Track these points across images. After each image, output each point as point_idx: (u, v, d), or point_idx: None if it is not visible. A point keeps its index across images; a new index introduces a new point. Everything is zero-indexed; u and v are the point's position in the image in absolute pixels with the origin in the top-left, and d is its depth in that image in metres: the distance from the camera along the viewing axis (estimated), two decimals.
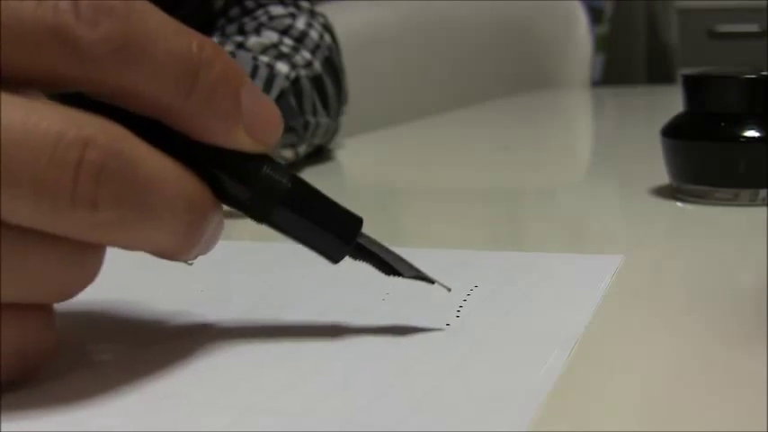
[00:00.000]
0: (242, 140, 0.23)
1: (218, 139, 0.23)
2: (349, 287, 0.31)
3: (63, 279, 0.21)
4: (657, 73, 2.53)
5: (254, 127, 0.23)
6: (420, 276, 0.26)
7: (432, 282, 0.27)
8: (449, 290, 0.27)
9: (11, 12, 0.20)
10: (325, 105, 0.63)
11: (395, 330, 0.27)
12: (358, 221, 0.25)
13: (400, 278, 0.26)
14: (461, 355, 0.24)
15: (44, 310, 0.22)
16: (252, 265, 0.36)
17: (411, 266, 0.26)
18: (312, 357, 0.25)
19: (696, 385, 0.23)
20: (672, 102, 0.50)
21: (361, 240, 0.25)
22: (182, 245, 0.23)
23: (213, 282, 0.33)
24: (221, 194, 0.23)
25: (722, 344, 0.26)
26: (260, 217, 0.24)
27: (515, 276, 0.32)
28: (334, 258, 0.25)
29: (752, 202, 0.43)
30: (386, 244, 0.26)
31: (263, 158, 0.24)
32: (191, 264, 0.25)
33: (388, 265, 0.26)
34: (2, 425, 0.20)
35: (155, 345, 0.26)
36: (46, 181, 0.19)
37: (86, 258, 0.21)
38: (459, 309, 0.29)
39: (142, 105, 0.22)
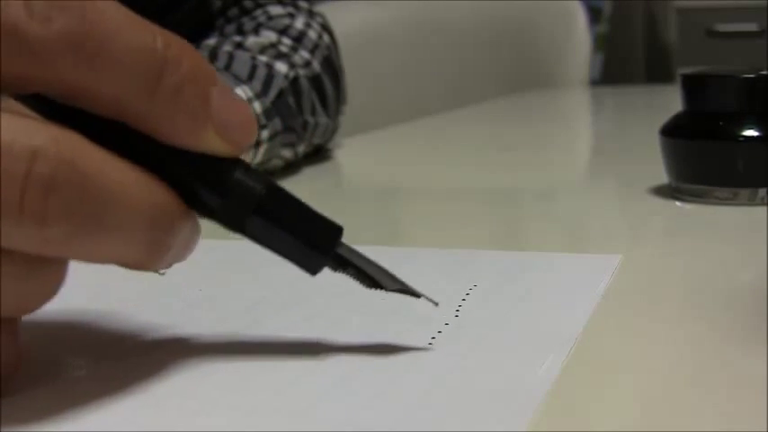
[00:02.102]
0: (212, 143, 0.21)
1: (186, 141, 0.21)
2: (348, 286, 0.31)
3: (21, 293, 0.20)
4: (656, 72, 2.53)
5: (225, 128, 0.22)
6: (404, 290, 0.25)
7: (417, 296, 0.25)
8: (435, 304, 0.25)
9: None
10: (324, 105, 0.63)
11: (394, 329, 0.27)
12: (337, 230, 0.24)
13: (383, 291, 0.25)
14: (460, 355, 0.24)
15: (4, 324, 0.21)
16: (244, 265, 0.36)
17: (395, 279, 0.25)
18: (311, 357, 0.25)
19: (696, 385, 0.23)
20: (671, 101, 0.50)
21: (340, 251, 0.24)
22: (147, 257, 0.21)
23: (210, 282, 0.33)
24: (191, 202, 0.22)
25: (722, 343, 0.26)
26: (233, 226, 0.23)
27: (514, 276, 0.32)
28: (312, 270, 0.24)
29: (751, 202, 0.43)
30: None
31: (236, 163, 0.22)
32: (162, 273, 0.23)
33: (370, 277, 0.24)
34: None
35: (148, 346, 0.26)
36: None
37: (45, 272, 0.20)
38: (459, 308, 0.29)
39: (102, 106, 0.20)
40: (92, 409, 0.21)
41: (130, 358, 0.25)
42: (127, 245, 0.21)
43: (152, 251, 0.21)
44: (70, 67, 0.19)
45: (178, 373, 0.24)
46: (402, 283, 0.25)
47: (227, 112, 0.22)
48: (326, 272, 0.24)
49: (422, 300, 0.25)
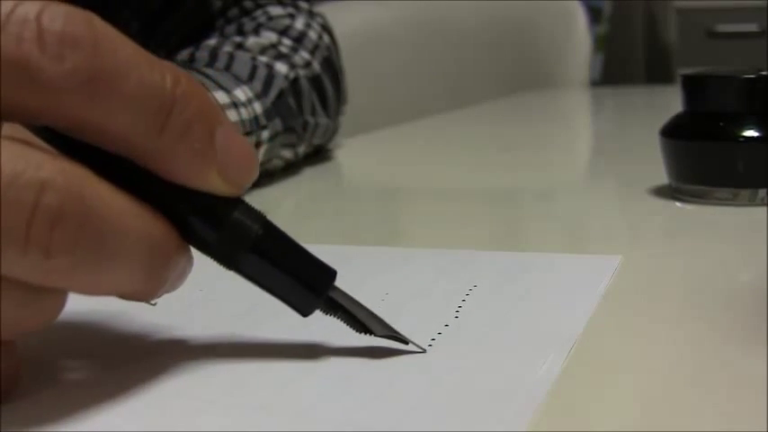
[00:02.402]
0: (214, 183, 0.22)
1: (189, 180, 0.22)
2: (348, 287, 0.31)
3: (21, 318, 0.20)
4: (656, 73, 2.53)
5: (227, 169, 0.22)
6: (393, 336, 0.25)
7: (405, 342, 0.25)
8: (423, 351, 0.25)
9: None
10: (324, 105, 0.63)
11: (394, 330, 0.27)
12: (331, 274, 0.24)
13: (372, 337, 0.25)
14: (460, 355, 0.24)
15: (4, 345, 0.21)
16: None
17: (384, 324, 0.25)
18: (310, 358, 0.25)
19: (696, 385, 0.23)
20: (671, 102, 0.50)
21: (332, 294, 0.24)
22: (144, 289, 0.22)
23: (211, 284, 0.33)
24: (188, 236, 0.22)
25: (722, 344, 0.26)
26: (227, 263, 0.23)
27: (514, 276, 0.32)
28: (304, 312, 0.24)
29: (751, 202, 0.43)
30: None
31: (236, 202, 0.23)
32: (154, 304, 0.24)
33: (360, 322, 0.25)
34: None
35: (149, 345, 0.26)
36: None
37: (44, 300, 0.20)
38: (458, 309, 0.29)
39: (110, 142, 0.21)
40: (93, 411, 0.21)
41: (130, 359, 0.25)
42: (126, 277, 0.21)
43: (149, 283, 0.22)
44: (80, 103, 0.20)
45: (178, 373, 0.24)
46: (391, 329, 0.25)
47: (230, 152, 0.22)
48: None
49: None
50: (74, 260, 0.20)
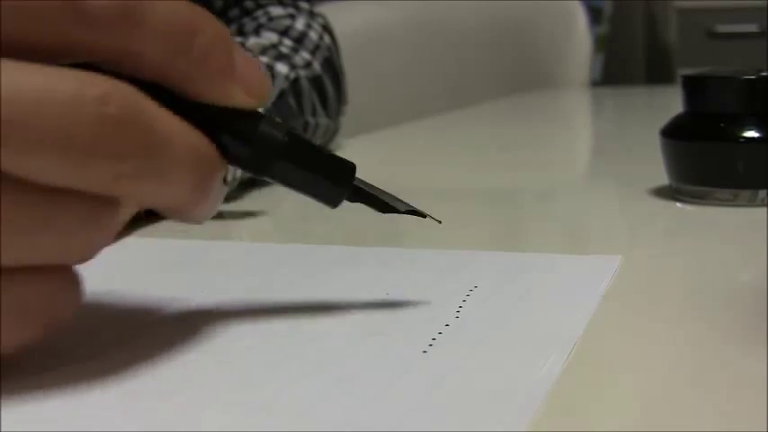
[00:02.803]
0: (238, 96, 0.24)
1: (216, 95, 0.24)
2: (349, 287, 0.31)
3: (84, 239, 0.22)
4: (657, 73, 2.53)
5: (247, 84, 0.24)
6: (413, 211, 0.28)
7: (423, 216, 0.29)
8: (439, 222, 0.29)
9: None
10: (325, 106, 0.63)
11: (395, 330, 0.27)
12: (352, 167, 0.27)
13: (396, 214, 0.28)
14: (460, 356, 0.24)
15: (66, 269, 0.23)
16: (243, 266, 0.36)
17: (404, 203, 0.28)
18: (311, 357, 0.25)
19: (695, 385, 0.23)
20: (671, 102, 0.50)
21: (356, 183, 0.27)
22: (191, 199, 0.24)
23: (209, 284, 0.33)
24: (222, 153, 0.24)
25: (722, 344, 0.26)
26: (260, 171, 0.25)
27: (515, 277, 0.32)
28: (333, 203, 0.27)
29: (751, 203, 0.43)
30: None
31: (259, 115, 0.25)
32: (200, 224, 0.25)
33: (384, 203, 0.28)
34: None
35: (149, 345, 0.26)
36: (70, 137, 0.20)
37: (105, 216, 0.22)
38: (459, 309, 0.29)
39: (145, 69, 0.23)
40: (94, 410, 0.21)
41: (129, 359, 0.25)
42: (177, 185, 0.23)
43: (197, 193, 0.24)
44: (120, 34, 0.22)
45: (178, 372, 0.24)
46: (410, 206, 0.28)
47: (248, 69, 0.24)
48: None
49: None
50: (137, 165, 0.21)
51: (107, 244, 0.23)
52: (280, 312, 0.29)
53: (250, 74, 0.24)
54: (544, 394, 0.22)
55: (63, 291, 0.23)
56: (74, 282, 0.23)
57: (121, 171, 0.21)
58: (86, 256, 0.23)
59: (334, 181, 0.26)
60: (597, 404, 0.22)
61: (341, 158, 0.27)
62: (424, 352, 0.25)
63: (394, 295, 0.30)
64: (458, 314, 0.28)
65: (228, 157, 0.25)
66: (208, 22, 0.23)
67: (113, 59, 0.22)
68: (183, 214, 0.24)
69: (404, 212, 0.28)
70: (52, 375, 0.23)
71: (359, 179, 0.27)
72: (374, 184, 0.28)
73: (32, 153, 0.20)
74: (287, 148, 0.25)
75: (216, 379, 0.23)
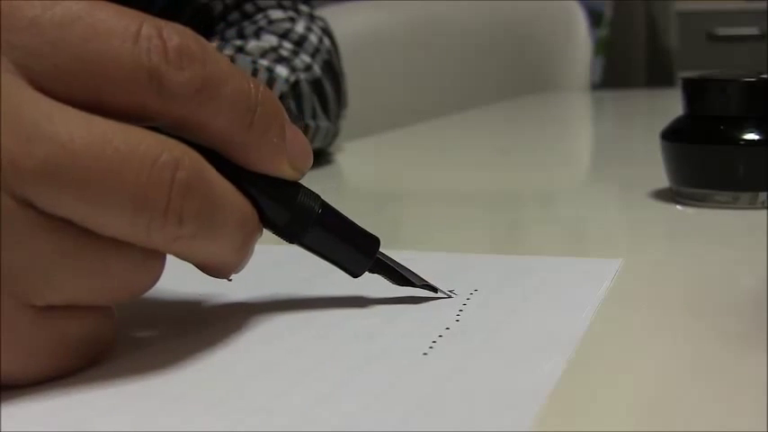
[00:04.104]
0: (286, 170, 0.26)
1: (268, 167, 0.25)
2: (349, 289, 0.31)
3: (132, 284, 0.23)
4: (657, 76, 2.53)
5: (294, 158, 0.26)
6: (427, 285, 0.30)
7: (435, 290, 0.30)
8: (450, 296, 0.30)
9: (110, 51, 0.22)
10: (325, 109, 0.63)
11: (396, 332, 0.27)
12: (376, 240, 0.29)
13: (411, 288, 0.29)
14: (462, 358, 0.24)
15: (109, 307, 0.24)
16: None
17: (420, 278, 0.30)
18: (313, 358, 0.25)
19: (695, 387, 0.23)
20: (671, 105, 0.50)
21: (379, 256, 0.29)
22: (236, 258, 0.25)
23: (210, 285, 0.33)
24: (260, 217, 0.26)
25: (722, 346, 0.26)
26: (293, 238, 0.27)
27: (515, 280, 0.32)
28: (356, 273, 0.28)
29: (751, 205, 0.43)
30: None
31: (299, 186, 0.27)
32: (230, 280, 0.26)
33: (402, 276, 0.29)
34: (2, 423, 0.20)
35: (148, 346, 0.26)
36: (145, 197, 0.21)
37: (154, 265, 0.23)
38: (460, 312, 0.29)
39: (209, 137, 0.24)
40: (94, 411, 0.21)
41: (127, 362, 0.25)
42: (226, 246, 0.24)
43: (241, 253, 0.25)
44: (193, 106, 0.23)
45: (178, 374, 0.24)
46: (425, 281, 0.30)
47: (295, 144, 0.26)
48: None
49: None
50: (197, 228, 0.23)
51: (152, 287, 0.24)
52: (279, 314, 0.29)
53: (297, 148, 0.26)
54: (545, 396, 0.22)
55: (102, 327, 0.24)
56: (111, 318, 0.24)
57: (181, 233, 0.22)
58: (131, 298, 0.23)
59: (360, 251, 0.28)
60: (598, 406, 0.22)
61: (367, 232, 0.28)
62: (425, 354, 0.25)
63: (394, 297, 0.30)
64: (458, 317, 0.28)
65: (265, 222, 0.26)
66: (268, 99, 0.25)
67: (181, 127, 0.23)
68: (222, 271, 0.25)
69: (419, 287, 0.30)
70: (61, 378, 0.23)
71: (381, 252, 0.29)
72: (394, 259, 0.29)
73: (105, 206, 0.21)
74: (321, 218, 0.27)
75: (215, 380, 0.23)
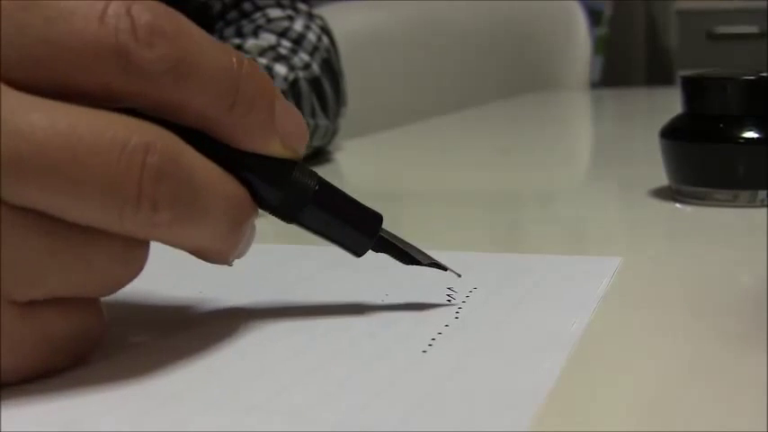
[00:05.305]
0: (276, 148, 0.25)
1: (256, 146, 0.24)
2: (348, 288, 0.31)
3: (114, 275, 0.23)
4: (657, 74, 2.53)
5: (285, 135, 0.25)
6: (435, 264, 0.29)
7: (444, 269, 0.29)
8: (459, 275, 0.29)
9: (75, 31, 0.21)
10: (324, 107, 0.63)
11: (395, 331, 0.27)
12: (379, 217, 0.27)
13: (418, 266, 0.28)
14: (461, 356, 0.24)
15: (94, 301, 0.24)
16: (246, 267, 0.36)
17: (426, 255, 0.29)
18: (312, 357, 0.25)
19: (695, 386, 0.23)
20: (671, 103, 0.50)
21: (382, 234, 0.27)
22: (225, 244, 0.24)
23: (210, 284, 0.33)
24: (255, 198, 0.25)
25: (722, 345, 0.26)
26: (290, 218, 0.26)
27: (515, 278, 0.32)
28: (359, 252, 0.27)
29: (751, 204, 0.43)
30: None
31: (293, 164, 0.25)
32: (231, 265, 0.26)
33: (407, 254, 0.28)
34: (2, 422, 0.20)
35: (148, 347, 0.26)
36: (115, 184, 0.21)
37: (135, 255, 0.23)
38: (459, 310, 0.28)
39: (189, 118, 0.23)
40: (94, 410, 0.21)
41: (126, 362, 0.25)
42: (212, 232, 0.23)
43: (230, 239, 0.24)
44: (167, 85, 0.22)
45: (177, 373, 0.24)
46: (432, 258, 0.29)
47: (287, 121, 0.25)
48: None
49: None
50: (175, 213, 0.22)
51: (134, 278, 0.23)
52: (279, 313, 0.29)
53: (288, 126, 0.25)
54: (544, 395, 0.22)
55: (88, 322, 0.23)
56: (98, 314, 0.24)
57: (157, 220, 0.22)
58: (114, 289, 0.23)
59: (361, 230, 0.27)
60: (597, 405, 0.22)
61: (369, 209, 0.27)
62: (424, 352, 0.25)
63: (393, 296, 0.30)
64: (457, 315, 0.28)
65: (260, 203, 0.25)
66: (252, 73, 0.24)
67: (157, 108, 0.23)
68: (215, 257, 0.25)
69: (426, 265, 0.29)
70: (53, 376, 0.23)
71: (384, 230, 0.28)
72: (399, 236, 0.28)
73: (74, 196, 0.21)
74: (317, 196, 0.26)
75: (215, 379, 0.23)
